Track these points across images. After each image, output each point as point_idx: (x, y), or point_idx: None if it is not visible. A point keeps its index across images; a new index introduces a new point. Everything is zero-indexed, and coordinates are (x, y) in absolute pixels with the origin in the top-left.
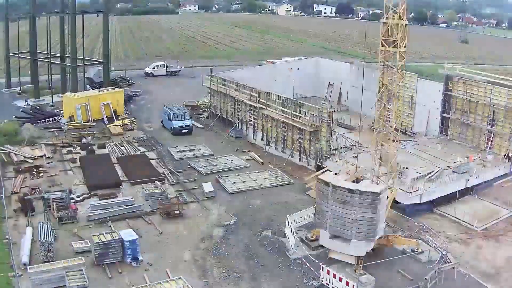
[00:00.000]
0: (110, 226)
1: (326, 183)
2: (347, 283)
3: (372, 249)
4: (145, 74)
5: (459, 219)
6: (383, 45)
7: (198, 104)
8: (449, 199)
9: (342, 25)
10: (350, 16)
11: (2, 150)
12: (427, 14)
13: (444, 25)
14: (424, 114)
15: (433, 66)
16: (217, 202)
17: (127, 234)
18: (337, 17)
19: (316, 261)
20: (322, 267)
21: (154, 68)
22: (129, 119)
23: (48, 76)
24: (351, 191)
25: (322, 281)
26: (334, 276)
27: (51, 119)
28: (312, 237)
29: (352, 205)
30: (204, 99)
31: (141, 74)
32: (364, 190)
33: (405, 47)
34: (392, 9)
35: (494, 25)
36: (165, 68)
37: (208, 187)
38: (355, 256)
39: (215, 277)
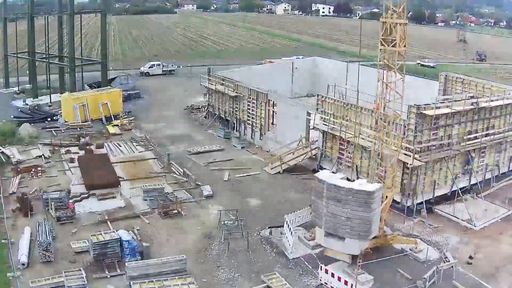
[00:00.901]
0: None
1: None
2: (346, 282)
3: (371, 248)
4: (141, 73)
5: (458, 218)
6: (382, 45)
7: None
8: (448, 198)
9: (340, 24)
10: (348, 15)
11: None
12: (425, 13)
13: (442, 24)
14: None
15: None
16: (215, 201)
17: (126, 234)
18: (335, 16)
19: (316, 260)
20: (321, 266)
21: (150, 67)
22: (127, 119)
23: (47, 76)
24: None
25: (320, 280)
26: (332, 275)
27: (49, 119)
28: (310, 236)
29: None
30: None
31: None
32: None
33: (405, 46)
34: (391, 8)
35: (492, 24)
36: (161, 67)
37: (207, 190)
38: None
39: (214, 277)
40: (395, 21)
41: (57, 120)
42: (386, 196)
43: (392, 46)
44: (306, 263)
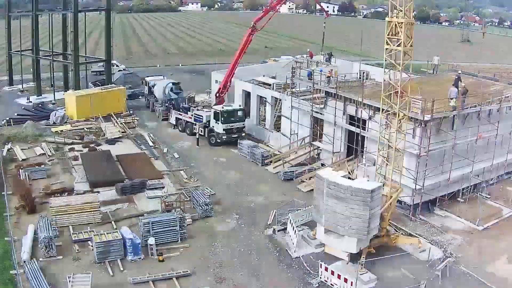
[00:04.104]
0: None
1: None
2: (346, 280)
3: (374, 248)
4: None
5: (461, 218)
6: (387, 44)
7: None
8: (451, 197)
9: (344, 23)
10: (352, 14)
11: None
12: (429, 13)
13: (447, 23)
14: None
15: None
16: (219, 200)
17: (128, 232)
18: (339, 16)
19: (316, 259)
20: (321, 264)
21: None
22: (131, 117)
23: (51, 74)
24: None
25: (320, 278)
26: (332, 273)
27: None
28: (314, 235)
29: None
30: None
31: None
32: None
33: (411, 46)
34: (397, 7)
35: (496, 24)
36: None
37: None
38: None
39: (217, 275)
40: (401, 21)
41: (61, 114)
42: (391, 196)
43: (398, 46)
44: (309, 261)
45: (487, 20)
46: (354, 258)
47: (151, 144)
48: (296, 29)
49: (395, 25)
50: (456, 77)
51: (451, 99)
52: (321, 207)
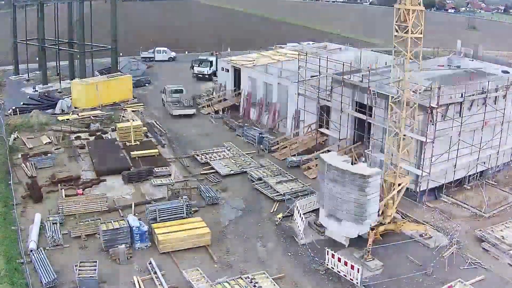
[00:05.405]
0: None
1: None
2: (352, 267)
3: (381, 234)
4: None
5: (468, 205)
6: (396, 31)
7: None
8: (458, 184)
9: (349, 10)
10: (358, 1)
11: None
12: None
13: (452, 10)
14: None
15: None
16: (225, 187)
17: (135, 220)
18: (345, 3)
19: (323, 246)
20: (327, 251)
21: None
22: (137, 105)
23: (56, 63)
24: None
25: (327, 265)
26: (339, 260)
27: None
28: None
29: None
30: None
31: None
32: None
33: (421, 33)
34: None
35: (502, 11)
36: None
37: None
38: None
39: (224, 262)
40: (408, 7)
41: (68, 104)
42: (399, 184)
43: (406, 33)
44: (315, 248)
45: (492, 7)
46: (361, 245)
47: (157, 131)
48: (300, 15)
49: (404, 11)
50: None
51: None
52: (323, 190)
